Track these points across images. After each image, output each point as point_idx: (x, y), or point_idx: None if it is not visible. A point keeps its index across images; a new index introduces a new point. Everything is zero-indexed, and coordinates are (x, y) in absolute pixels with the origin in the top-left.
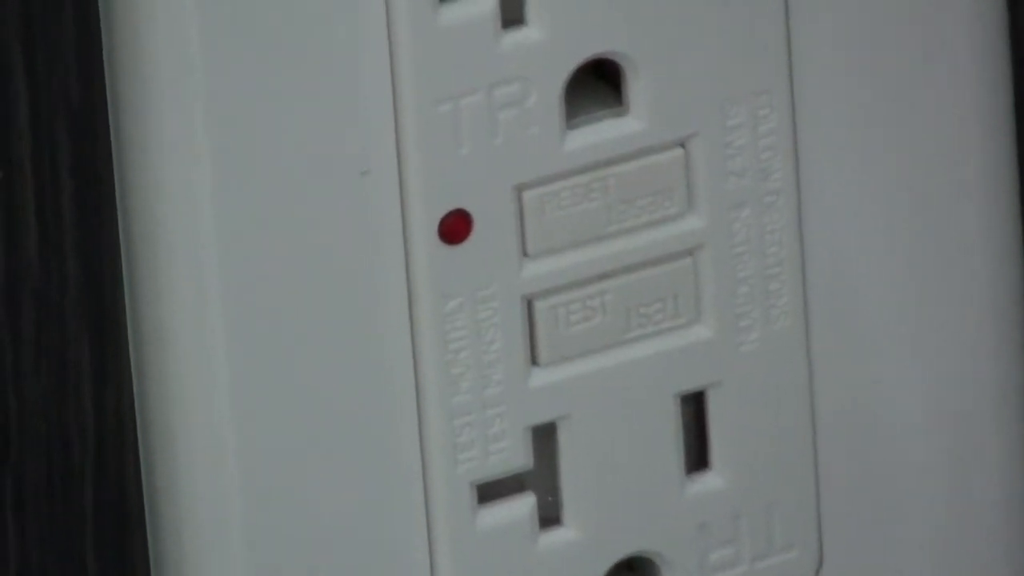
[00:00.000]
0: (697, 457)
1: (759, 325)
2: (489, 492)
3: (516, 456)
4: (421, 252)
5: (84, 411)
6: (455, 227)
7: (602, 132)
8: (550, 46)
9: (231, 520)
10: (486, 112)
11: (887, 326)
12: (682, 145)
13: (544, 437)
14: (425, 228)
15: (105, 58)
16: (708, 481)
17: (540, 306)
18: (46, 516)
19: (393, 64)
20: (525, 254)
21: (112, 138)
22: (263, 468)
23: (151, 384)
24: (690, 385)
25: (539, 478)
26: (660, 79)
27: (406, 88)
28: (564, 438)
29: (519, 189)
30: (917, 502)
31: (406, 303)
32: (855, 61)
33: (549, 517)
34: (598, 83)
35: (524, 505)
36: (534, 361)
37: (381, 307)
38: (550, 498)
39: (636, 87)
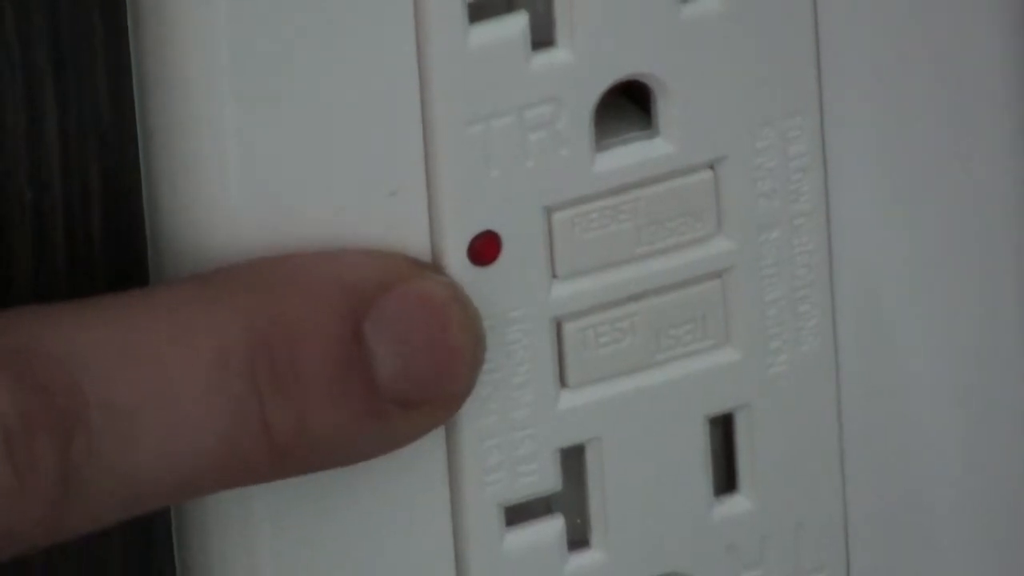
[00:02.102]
0: (725, 479)
1: (788, 347)
2: (517, 514)
3: (545, 478)
4: (451, 273)
5: None
6: (485, 248)
7: (632, 154)
8: (580, 68)
9: (257, 541)
10: (516, 133)
11: (917, 347)
12: (712, 167)
13: (572, 459)
14: (455, 249)
15: (134, 80)
16: (736, 503)
17: (569, 328)
18: (73, 541)
19: (423, 85)
20: (554, 276)
21: (142, 161)
22: (290, 488)
23: None
24: (719, 407)
25: (567, 500)
26: (690, 101)
27: (436, 109)
28: (592, 460)
29: (549, 211)
30: (947, 523)
31: None
32: (884, 83)
33: (577, 539)
34: (628, 105)
35: (552, 527)
36: (563, 383)
37: None
38: (578, 520)
39: (666, 109)
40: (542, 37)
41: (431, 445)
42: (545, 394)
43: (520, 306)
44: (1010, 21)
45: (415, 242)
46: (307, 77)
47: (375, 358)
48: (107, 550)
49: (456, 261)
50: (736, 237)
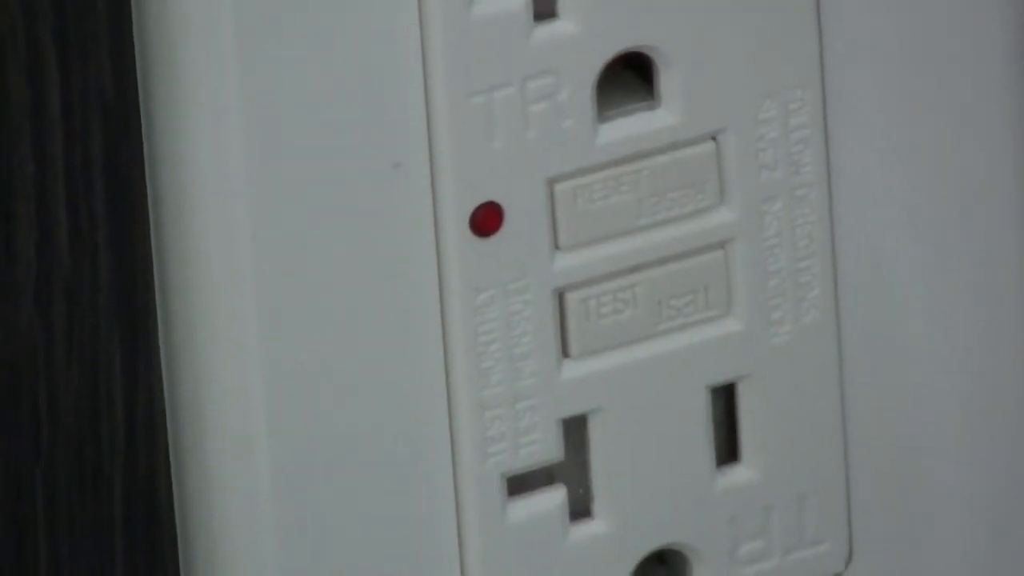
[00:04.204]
0: (728, 450)
1: (790, 318)
2: (520, 485)
3: (547, 449)
4: (453, 245)
5: (115, 409)
6: (487, 220)
7: (634, 125)
8: (582, 39)
9: (261, 518)
10: (518, 105)
11: (918, 319)
12: (714, 138)
13: (575, 429)
14: (457, 221)
15: (137, 53)
16: (739, 474)
17: (571, 298)
18: (76, 515)
19: (426, 57)
20: (556, 247)
21: (144, 134)
22: (294, 464)
23: (182, 382)
24: (721, 377)
25: (570, 471)
26: (692, 72)
27: (438, 81)
28: (595, 431)
29: (551, 182)
30: (948, 495)
31: (437, 296)
32: (886, 54)
33: (580, 510)
34: (630, 76)
35: (555, 498)
36: (565, 354)
37: (412, 300)
38: (581, 491)
39: (668, 80)
40: (544, 8)
41: (433, 416)
42: (547, 365)
43: (522, 277)
44: None
45: (418, 214)
46: (310, 49)
47: None
48: (111, 545)
49: (458, 232)
50: (738, 208)
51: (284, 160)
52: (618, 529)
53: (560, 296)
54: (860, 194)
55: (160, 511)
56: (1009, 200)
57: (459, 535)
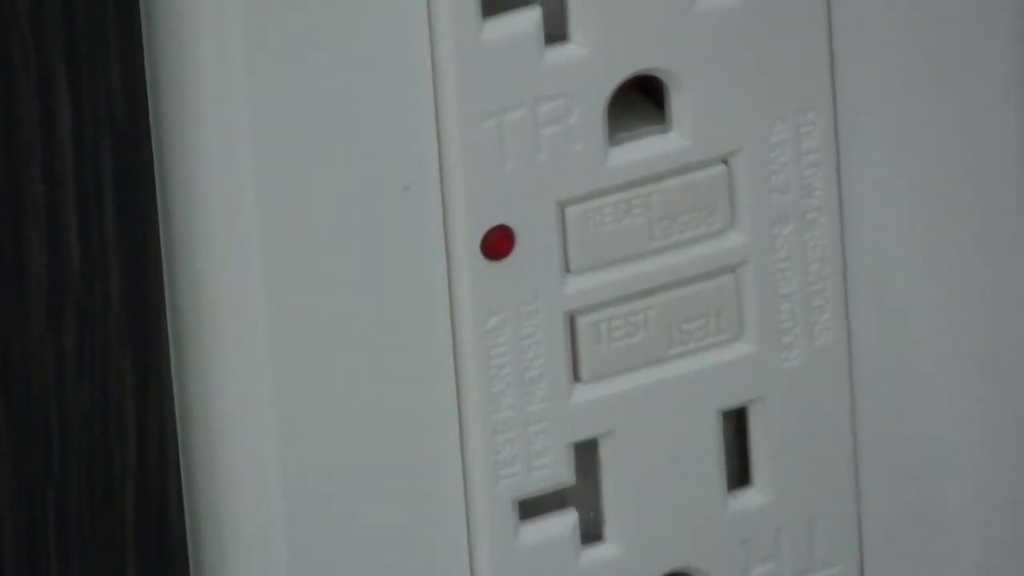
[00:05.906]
0: (739, 473)
1: (801, 341)
2: (531, 509)
3: (558, 472)
4: (464, 268)
5: (126, 426)
6: (498, 243)
7: (645, 148)
8: (594, 62)
9: (273, 535)
10: (529, 128)
11: (930, 341)
12: (725, 162)
13: (586, 453)
14: (468, 244)
15: (148, 74)
16: (750, 497)
17: (583, 322)
18: (88, 531)
19: (436, 80)
20: (568, 270)
21: (155, 154)
22: (305, 483)
23: (193, 398)
24: (732, 401)
25: (581, 494)
26: (703, 95)
27: (450, 104)
28: (606, 454)
29: (562, 205)
30: (960, 518)
31: (448, 319)
32: (898, 77)
33: (591, 533)
34: (641, 99)
35: (566, 521)
36: (576, 377)
37: (424, 323)
38: (592, 514)
39: (679, 103)
40: (556, 31)
41: (445, 440)
42: (559, 388)
43: (533, 300)
44: (1022, 17)
45: (429, 237)
46: (320, 71)
47: None
48: (122, 563)
49: (469, 255)
50: (749, 232)
51: (295, 182)
52: (629, 553)
53: (571, 320)
54: (871, 217)
55: (171, 529)
56: (1021, 221)
57: (471, 559)
